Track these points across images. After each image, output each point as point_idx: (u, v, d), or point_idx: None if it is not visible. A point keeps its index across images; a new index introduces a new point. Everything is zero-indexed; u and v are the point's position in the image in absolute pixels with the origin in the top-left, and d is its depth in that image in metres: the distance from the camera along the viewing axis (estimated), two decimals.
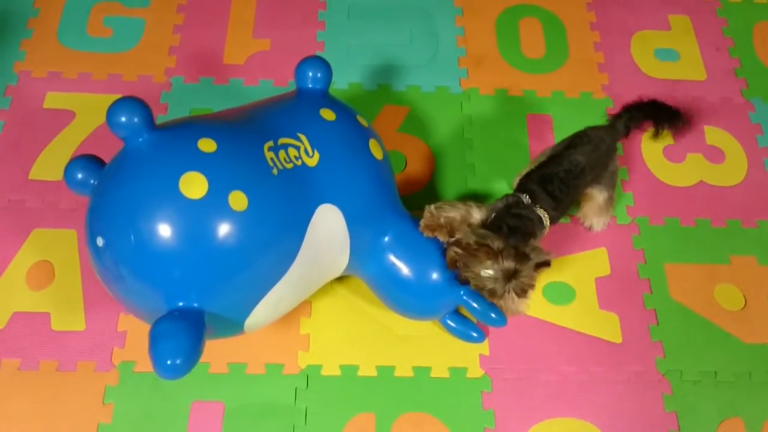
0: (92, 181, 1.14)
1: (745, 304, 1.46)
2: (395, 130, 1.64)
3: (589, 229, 1.52)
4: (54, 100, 1.64)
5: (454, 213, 1.26)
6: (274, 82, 1.69)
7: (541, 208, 1.26)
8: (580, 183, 1.33)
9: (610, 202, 1.45)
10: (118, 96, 1.59)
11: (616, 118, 1.44)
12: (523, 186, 1.32)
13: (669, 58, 1.80)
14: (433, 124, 1.66)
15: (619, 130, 1.42)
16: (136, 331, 1.36)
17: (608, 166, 1.39)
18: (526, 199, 1.26)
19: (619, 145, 1.61)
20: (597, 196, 1.42)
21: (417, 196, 1.55)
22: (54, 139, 1.58)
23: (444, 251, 1.24)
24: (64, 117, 1.61)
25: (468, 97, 1.70)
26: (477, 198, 1.55)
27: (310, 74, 1.30)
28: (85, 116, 1.61)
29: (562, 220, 1.46)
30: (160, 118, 1.60)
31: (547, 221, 1.26)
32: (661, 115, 1.49)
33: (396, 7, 1.84)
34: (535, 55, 1.78)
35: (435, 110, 1.68)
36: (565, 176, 1.30)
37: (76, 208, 1.48)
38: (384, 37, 1.78)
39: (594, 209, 1.46)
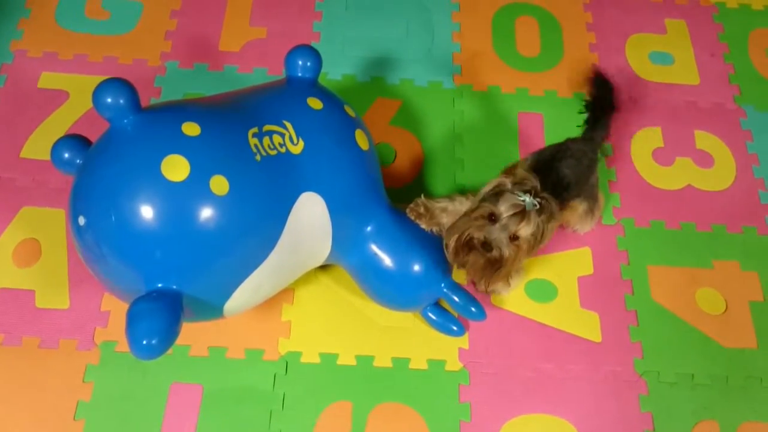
0: (78, 161, 1.15)
1: (726, 309, 1.47)
2: (387, 123, 1.65)
3: (575, 231, 1.53)
4: (49, 80, 1.65)
5: (438, 204, 1.29)
6: (269, 71, 1.69)
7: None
8: (566, 197, 1.34)
9: (591, 211, 1.45)
10: None
11: (588, 129, 1.42)
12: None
13: (664, 61, 1.80)
14: (425, 118, 1.66)
15: (597, 141, 1.41)
16: (118, 311, 1.38)
17: (589, 179, 1.40)
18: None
19: (609, 146, 1.63)
20: (577, 206, 1.41)
21: (405, 189, 1.56)
22: (47, 118, 1.59)
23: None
24: (58, 97, 1.62)
25: (461, 93, 1.71)
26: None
27: (300, 63, 1.30)
28: (79, 97, 1.62)
29: None
30: (153, 102, 1.61)
31: None
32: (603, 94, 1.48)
33: (393, 0, 1.84)
34: (530, 53, 1.79)
35: (427, 105, 1.68)
36: (553, 189, 1.29)
37: (66, 187, 1.49)
38: (380, 30, 1.79)
39: (575, 218, 1.46)
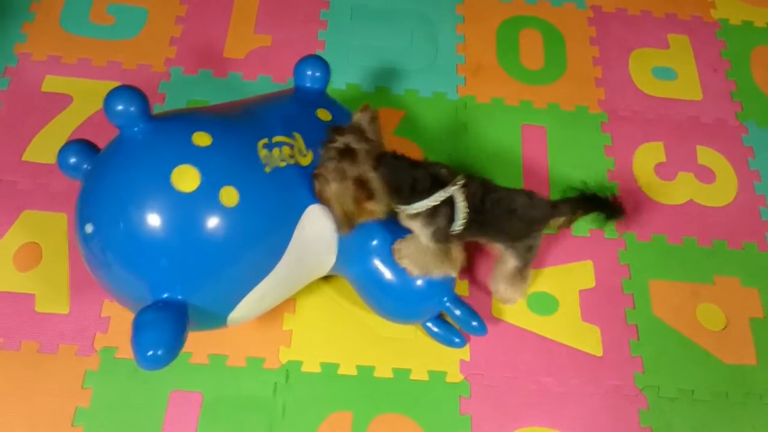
0: (85, 167, 1.14)
1: (727, 325, 1.47)
2: (390, 133, 1.65)
3: (497, 295, 1.42)
4: (52, 83, 1.64)
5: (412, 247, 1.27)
6: (273, 78, 1.69)
7: (465, 202, 1.19)
8: (500, 223, 1.26)
9: (521, 276, 1.36)
10: (116, 83, 1.62)
11: (562, 201, 1.33)
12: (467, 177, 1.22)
13: (666, 76, 1.81)
14: (429, 129, 1.67)
15: (559, 211, 1.31)
16: (119, 317, 1.37)
17: (528, 235, 1.31)
18: (459, 182, 1.19)
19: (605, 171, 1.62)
20: (507, 260, 1.34)
21: None
22: (50, 122, 1.58)
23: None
24: (62, 101, 1.62)
25: (464, 104, 1.71)
26: None
27: (309, 73, 1.31)
28: (83, 101, 1.62)
29: (546, 231, 1.42)
30: (157, 108, 1.61)
31: (461, 218, 1.19)
32: (603, 207, 1.36)
33: (398, 11, 1.85)
34: (534, 66, 1.79)
35: (431, 115, 1.69)
36: (499, 199, 1.23)
37: (68, 191, 1.49)
38: (385, 40, 1.79)
39: (503, 274, 1.36)
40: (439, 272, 1.27)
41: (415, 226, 1.21)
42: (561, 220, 1.33)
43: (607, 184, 1.59)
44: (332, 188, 1.11)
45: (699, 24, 1.91)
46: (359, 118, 1.17)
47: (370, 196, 1.11)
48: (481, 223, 1.23)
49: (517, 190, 1.28)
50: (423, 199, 1.16)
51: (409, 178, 1.15)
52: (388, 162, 1.14)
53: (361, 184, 1.10)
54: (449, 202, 1.18)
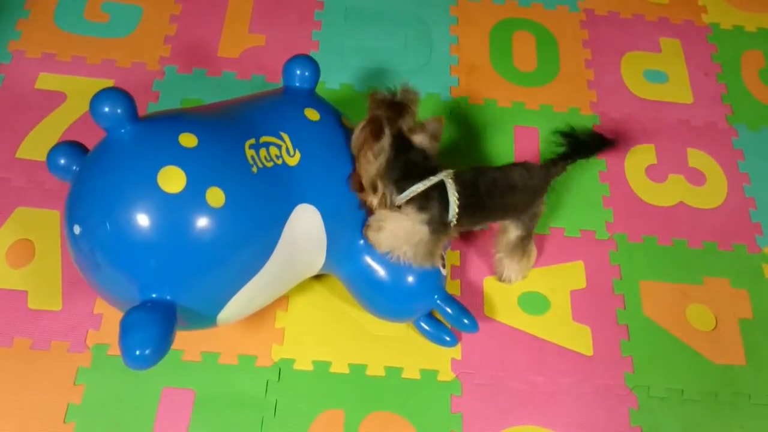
0: (74, 168, 1.14)
1: (716, 326, 1.48)
2: None
3: (501, 277, 1.47)
4: (46, 81, 1.64)
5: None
6: (267, 78, 1.70)
7: (456, 193, 1.20)
8: (504, 201, 1.28)
9: (522, 246, 1.40)
10: (110, 81, 1.63)
11: (553, 161, 1.37)
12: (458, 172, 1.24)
13: (658, 79, 1.83)
14: None
15: (552, 174, 1.36)
16: (111, 314, 1.37)
17: (532, 205, 1.34)
18: (448, 174, 1.21)
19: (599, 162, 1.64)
20: (510, 231, 1.37)
21: None
22: (44, 119, 1.59)
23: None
24: (56, 98, 1.62)
25: (457, 105, 1.72)
26: None
27: (298, 72, 1.31)
28: (77, 99, 1.62)
29: (538, 230, 1.46)
30: (151, 106, 1.61)
31: (453, 209, 1.20)
32: (593, 147, 1.44)
33: (392, 12, 1.86)
34: (527, 68, 1.80)
35: (424, 116, 1.67)
36: (495, 179, 1.25)
37: (61, 188, 1.48)
38: (378, 41, 1.80)
39: (505, 245, 1.40)
40: (423, 261, 1.26)
41: (410, 212, 1.21)
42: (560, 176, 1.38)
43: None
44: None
45: (690, 28, 1.93)
46: (429, 123, 1.24)
47: (379, 133, 1.13)
48: (480, 207, 1.24)
49: (511, 165, 1.31)
50: (413, 184, 1.18)
51: (408, 161, 1.18)
52: (407, 144, 1.18)
53: (377, 120, 1.13)
54: (439, 188, 1.19)
